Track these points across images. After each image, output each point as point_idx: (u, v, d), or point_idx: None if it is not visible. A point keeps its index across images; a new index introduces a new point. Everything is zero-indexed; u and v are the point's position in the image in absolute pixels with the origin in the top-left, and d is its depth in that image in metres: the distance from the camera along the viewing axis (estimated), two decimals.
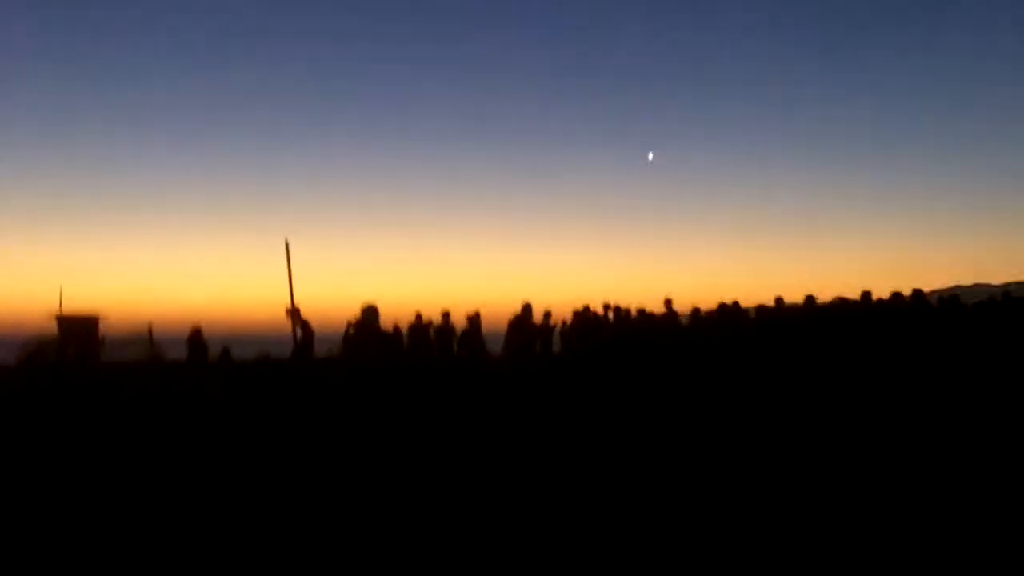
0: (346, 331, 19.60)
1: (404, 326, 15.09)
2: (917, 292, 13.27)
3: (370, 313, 12.30)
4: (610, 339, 16.17)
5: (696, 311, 16.65)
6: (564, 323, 16.43)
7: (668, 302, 16.38)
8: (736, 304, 15.55)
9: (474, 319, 15.35)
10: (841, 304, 14.81)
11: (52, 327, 26.25)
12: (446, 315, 15.16)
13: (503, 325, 16.00)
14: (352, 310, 14.08)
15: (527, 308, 15.39)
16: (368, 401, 11.68)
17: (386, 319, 13.99)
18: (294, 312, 17.36)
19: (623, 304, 16.64)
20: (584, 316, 16.41)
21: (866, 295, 14.31)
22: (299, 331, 14.86)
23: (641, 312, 17.03)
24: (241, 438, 10.07)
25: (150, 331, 19.87)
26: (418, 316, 15.51)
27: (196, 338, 14.85)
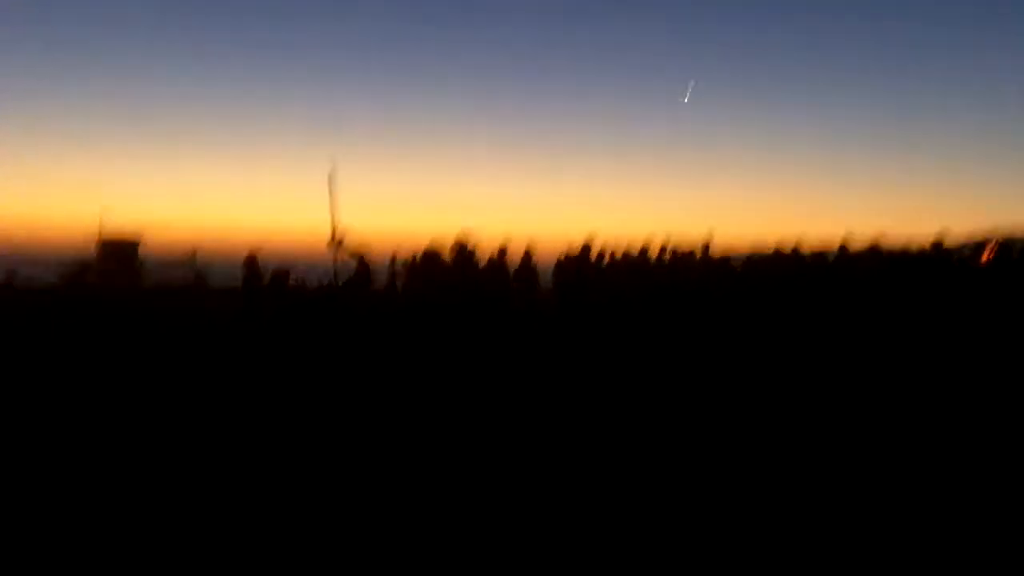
0: (392, 261, 19.35)
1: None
2: (1007, 242, 12.59)
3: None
4: (664, 282, 15.79)
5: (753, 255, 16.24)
6: (611, 261, 16.05)
7: (706, 243, 16.03)
8: (798, 249, 15.07)
9: (528, 255, 15.01)
10: (910, 251, 14.27)
11: (93, 248, 26.29)
12: (503, 250, 14.82)
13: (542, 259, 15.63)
14: (397, 239, 13.89)
15: (587, 247, 15.01)
16: (427, 333, 11.46)
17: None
18: (338, 240, 17.15)
19: (681, 245, 16.18)
20: (637, 256, 16.01)
21: (937, 244, 13.76)
22: (352, 262, 14.63)
23: (691, 254, 16.60)
24: (294, 367, 9.89)
25: (194, 255, 19.70)
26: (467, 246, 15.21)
27: (252, 264, 14.60)
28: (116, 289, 25.23)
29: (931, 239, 13.97)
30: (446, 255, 12.07)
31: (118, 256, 24.16)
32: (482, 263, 14.46)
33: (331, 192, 16.92)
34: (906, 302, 13.27)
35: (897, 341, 12.62)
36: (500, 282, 14.33)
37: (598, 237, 15.61)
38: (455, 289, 12.29)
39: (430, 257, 12.23)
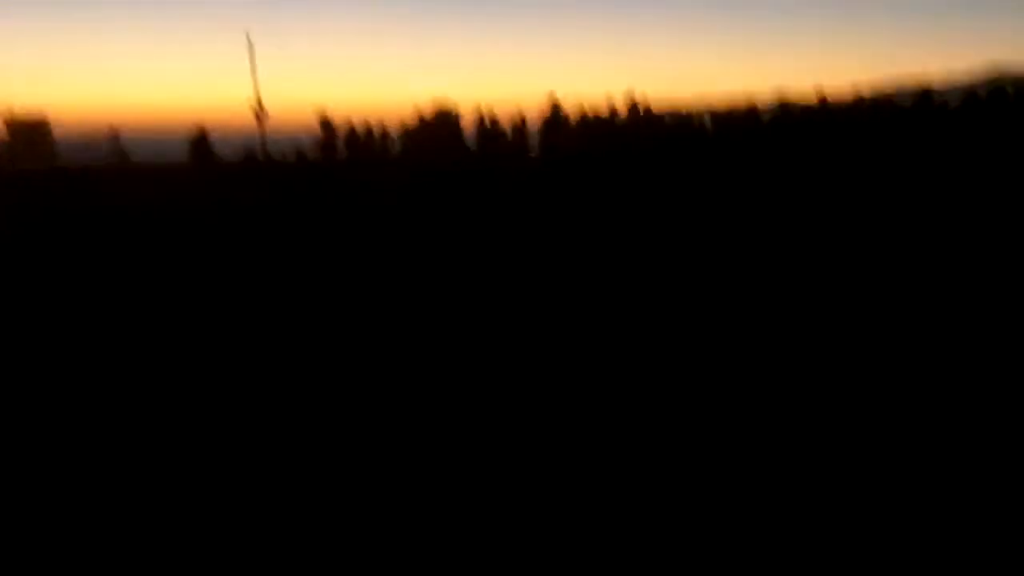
0: (352, 129, 17.88)
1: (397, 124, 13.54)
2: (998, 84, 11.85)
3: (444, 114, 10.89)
4: (631, 142, 14.83)
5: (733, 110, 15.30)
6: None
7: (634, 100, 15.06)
8: (770, 103, 14.16)
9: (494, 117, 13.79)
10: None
11: (1, 132, 23.89)
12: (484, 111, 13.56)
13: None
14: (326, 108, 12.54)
15: (556, 103, 13.85)
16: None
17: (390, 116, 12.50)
18: (260, 110, 15.74)
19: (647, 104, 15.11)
20: (605, 117, 14.93)
21: (925, 91, 12.95)
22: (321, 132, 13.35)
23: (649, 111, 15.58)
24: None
25: (114, 133, 17.96)
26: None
27: (201, 141, 12.99)
28: (28, 171, 23.13)
29: (917, 86, 13.20)
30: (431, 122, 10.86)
31: (27, 137, 22.03)
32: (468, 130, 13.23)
33: (251, 63, 15.34)
34: (894, 153, 12.64)
35: (887, 197, 12.05)
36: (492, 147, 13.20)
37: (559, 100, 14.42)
38: (456, 156, 11.14)
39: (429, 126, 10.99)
